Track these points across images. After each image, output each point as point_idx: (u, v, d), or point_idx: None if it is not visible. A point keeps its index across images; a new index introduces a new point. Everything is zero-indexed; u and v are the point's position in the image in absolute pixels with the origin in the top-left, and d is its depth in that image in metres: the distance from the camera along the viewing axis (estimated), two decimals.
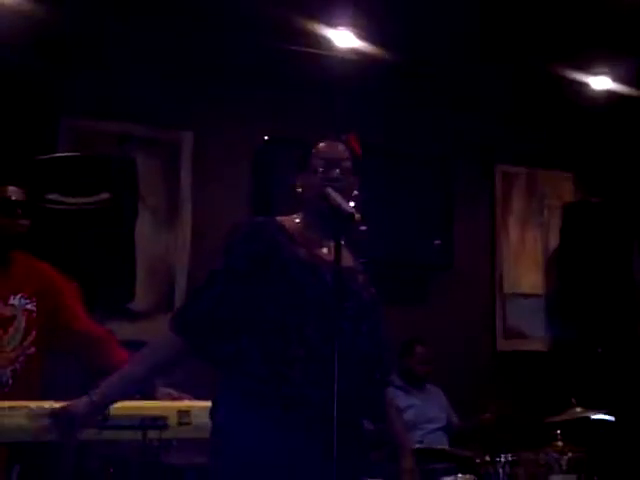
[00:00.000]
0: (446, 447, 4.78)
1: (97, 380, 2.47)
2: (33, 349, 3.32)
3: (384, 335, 2.53)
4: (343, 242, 2.37)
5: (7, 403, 2.76)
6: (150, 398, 3.03)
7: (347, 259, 2.43)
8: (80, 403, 2.44)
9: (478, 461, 4.16)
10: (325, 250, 2.45)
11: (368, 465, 2.55)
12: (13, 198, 3.35)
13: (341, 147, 2.52)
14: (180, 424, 2.88)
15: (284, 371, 2.25)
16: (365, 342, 2.40)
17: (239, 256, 2.37)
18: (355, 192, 2.51)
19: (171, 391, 3.06)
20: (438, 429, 5.12)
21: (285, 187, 2.72)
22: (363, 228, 2.35)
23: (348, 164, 2.48)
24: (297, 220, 2.51)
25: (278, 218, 2.50)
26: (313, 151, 2.50)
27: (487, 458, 4.11)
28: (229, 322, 2.33)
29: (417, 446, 4.28)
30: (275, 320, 2.29)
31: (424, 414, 5.10)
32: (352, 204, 2.39)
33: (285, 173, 2.65)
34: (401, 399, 5.13)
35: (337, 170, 2.45)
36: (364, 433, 2.43)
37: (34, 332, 3.32)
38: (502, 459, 4.06)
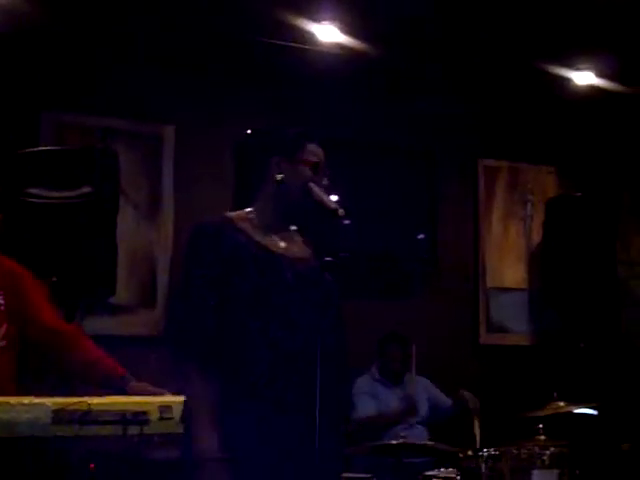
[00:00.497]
0: (428, 441, 4.78)
1: (68, 376, 2.40)
2: (4, 342, 3.26)
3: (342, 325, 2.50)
4: (296, 230, 2.40)
5: None
6: (122, 393, 3.00)
7: (302, 249, 2.40)
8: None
9: (460, 455, 4.16)
10: (283, 244, 2.43)
11: (345, 460, 2.53)
12: None
13: None
14: (161, 419, 2.86)
15: (251, 373, 2.23)
16: (330, 336, 2.35)
17: (211, 263, 2.32)
18: None
19: (147, 385, 3.03)
20: (419, 423, 5.11)
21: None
22: (347, 222, 2.33)
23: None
24: (251, 215, 2.46)
25: (233, 216, 2.45)
26: (312, 149, 2.46)
27: (469, 452, 4.11)
28: (216, 332, 2.29)
29: (400, 441, 4.28)
30: (240, 323, 2.27)
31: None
32: (335, 198, 2.38)
33: None
34: (381, 392, 5.13)
35: (326, 180, 2.45)
36: (339, 429, 2.41)
37: (5, 325, 3.27)
38: (484, 453, 4.05)
